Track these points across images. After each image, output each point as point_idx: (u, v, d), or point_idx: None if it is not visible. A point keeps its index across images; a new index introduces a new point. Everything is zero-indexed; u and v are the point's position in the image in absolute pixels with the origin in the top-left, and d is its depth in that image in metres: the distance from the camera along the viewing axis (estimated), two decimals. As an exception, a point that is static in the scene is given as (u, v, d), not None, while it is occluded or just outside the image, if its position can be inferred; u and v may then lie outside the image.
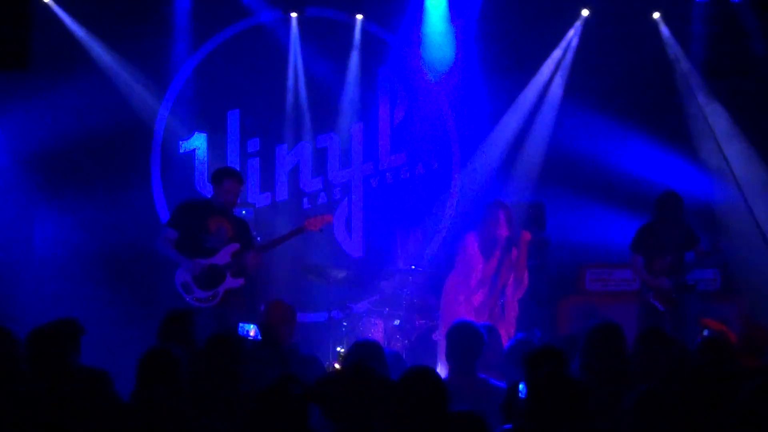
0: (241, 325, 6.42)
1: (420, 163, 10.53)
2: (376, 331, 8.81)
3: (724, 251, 8.84)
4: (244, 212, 9.02)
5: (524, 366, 4.82)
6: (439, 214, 10.46)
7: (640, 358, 5.34)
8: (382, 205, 10.39)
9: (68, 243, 9.76)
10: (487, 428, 3.99)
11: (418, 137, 10.48)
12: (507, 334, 7.44)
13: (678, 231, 8.55)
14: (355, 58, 10.33)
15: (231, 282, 7.81)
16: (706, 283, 9.35)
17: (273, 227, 9.66)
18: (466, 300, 7.79)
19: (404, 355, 7.64)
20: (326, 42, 10.28)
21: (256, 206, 9.92)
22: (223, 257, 7.79)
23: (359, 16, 10.30)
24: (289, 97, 10.29)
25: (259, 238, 8.83)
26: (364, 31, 10.35)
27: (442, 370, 6.04)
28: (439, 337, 7.90)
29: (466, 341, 5.73)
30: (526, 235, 7.88)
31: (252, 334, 6.35)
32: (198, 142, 10.25)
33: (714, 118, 10.23)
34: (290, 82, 10.28)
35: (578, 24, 10.32)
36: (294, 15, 10.23)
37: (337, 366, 7.09)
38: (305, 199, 10.41)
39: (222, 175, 7.93)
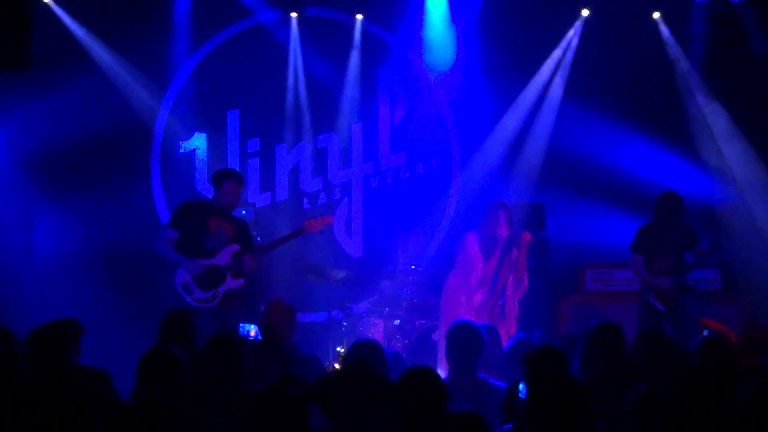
0: (241, 325, 6.43)
1: (420, 163, 10.53)
2: (376, 331, 8.81)
3: (724, 251, 8.84)
4: (243, 212, 9.02)
5: (524, 366, 4.82)
6: (439, 214, 10.47)
7: (640, 359, 5.34)
8: (382, 205, 10.39)
9: (68, 243, 9.76)
10: (487, 428, 3.99)
11: (418, 137, 10.48)
12: (507, 334, 7.44)
13: (678, 231, 8.54)
14: (355, 58, 10.33)
15: (231, 283, 7.81)
16: (706, 283, 9.35)
17: (273, 227, 9.66)
18: (466, 300, 7.79)
19: (404, 355, 7.64)
20: (326, 42, 10.28)
21: (256, 206, 9.93)
22: (223, 258, 7.79)
23: (359, 16, 10.30)
24: (289, 97, 10.29)
25: (259, 238, 8.83)
26: (364, 31, 10.35)
27: (442, 370, 6.04)
28: (439, 337, 7.89)
29: (466, 341, 5.73)
30: (527, 236, 7.88)
31: (253, 334, 6.36)
32: (198, 142, 10.25)
33: (714, 118, 10.23)
34: (290, 82, 10.29)
35: (578, 24, 10.32)
36: (294, 15, 10.23)
37: (337, 366, 7.09)
38: (305, 199, 10.42)
39: (223, 177, 7.93)
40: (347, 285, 9.14)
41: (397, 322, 8.81)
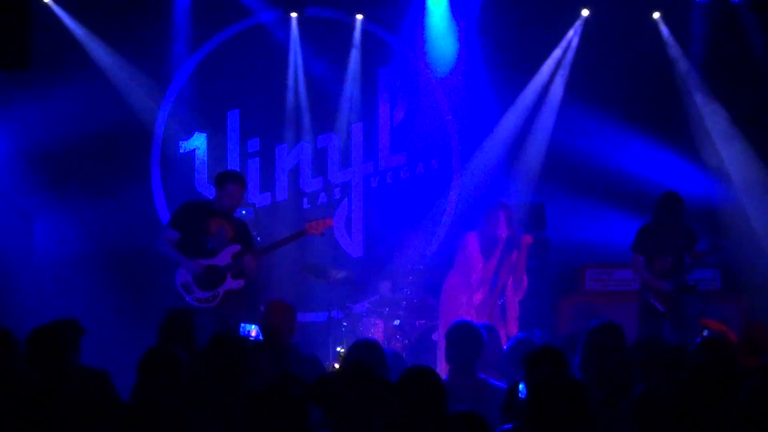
0: (242, 325, 6.41)
1: (420, 163, 10.53)
2: (376, 331, 8.81)
3: (724, 251, 8.84)
4: (243, 212, 9.01)
5: (524, 366, 4.82)
6: (439, 214, 10.47)
7: (639, 364, 5.33)
8: (382, 205, 10.39)
9: (68, 243, 9.76)
10: (487, 428, 3.98)
11: (418, 137, 10.48)
12: (507, 334, 7.44)
13: (678, 231, 8.54)
14: (355, 58, 10.33)
15: (231, 283, 7.80)
16: (706, 283, 9.34)
17: (273, 227, 9.66)
18: (466, 300, 7.78)
19: (404, 355, 7.64)
20: (326, 42, 10.28)
21: (256, 206, 9.92)
22: (223, 258, 7.79)
23: (359, 16, 10.30)
24: (289, 97, 10.29)
25: (258, 239, 8.83)
26: (364, 31, 10.35)
27: (441, 371, 6.04)
28: (439, 337, 7.89)
29: (466, 341, 5.73)
30: (527, 239, 7.86)
31: (254, 334, 6.35)
32: (198, 142, 10.25)
33: (713, 118, 10.23)
34: (290, 82, 10.29)
35: (578, 24, 10.32)
36: (294, 15, 10.22)
37: (337, 366, 7.08)
38: (305, 199, 10.42)
39: (226, 179, 7.91)
40: (347, 285, 9.14)
41: (397, 322, 8.82)
